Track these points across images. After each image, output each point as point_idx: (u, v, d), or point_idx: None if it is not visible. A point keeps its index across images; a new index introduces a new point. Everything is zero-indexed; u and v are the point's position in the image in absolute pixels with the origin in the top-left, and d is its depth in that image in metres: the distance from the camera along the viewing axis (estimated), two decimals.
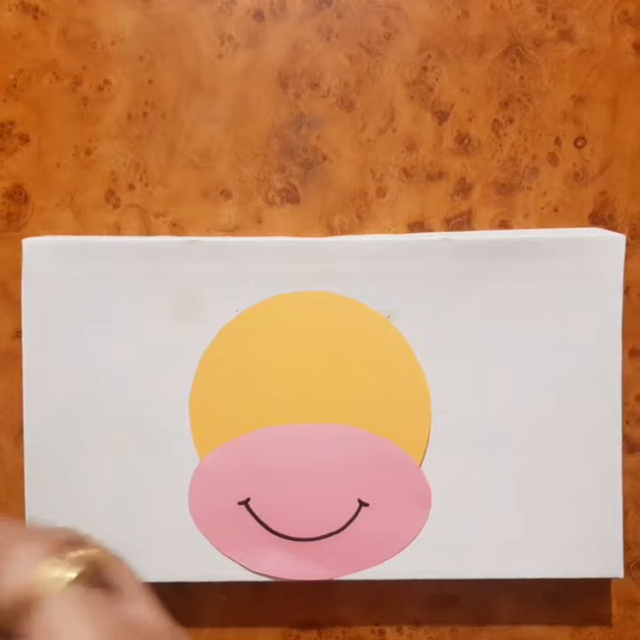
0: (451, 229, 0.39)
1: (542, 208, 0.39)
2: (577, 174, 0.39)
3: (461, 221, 0.39)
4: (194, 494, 0.37)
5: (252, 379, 0.37)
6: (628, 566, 0.40)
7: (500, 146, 0.39)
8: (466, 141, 0.39)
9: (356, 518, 0.37)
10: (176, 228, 0.39)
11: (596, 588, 0.40)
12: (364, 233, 0.39)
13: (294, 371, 0.37)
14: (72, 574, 0.23)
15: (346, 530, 0.37)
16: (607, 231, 0.38)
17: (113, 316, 0.37)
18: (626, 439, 0.39)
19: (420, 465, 0.37)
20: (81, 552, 0.24)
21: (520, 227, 0.39)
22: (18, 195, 0.39)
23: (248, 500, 0.37)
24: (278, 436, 0.37)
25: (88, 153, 0.39)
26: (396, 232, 0.39)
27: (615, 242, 0.37)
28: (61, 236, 0.38)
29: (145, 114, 0.39)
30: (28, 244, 0.37)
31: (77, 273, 0.37)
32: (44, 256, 0.37)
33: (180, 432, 0.37)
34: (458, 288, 0.37)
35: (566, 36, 0.38)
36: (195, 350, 0.37)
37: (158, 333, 0.37)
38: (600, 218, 0.39)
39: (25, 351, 0.37)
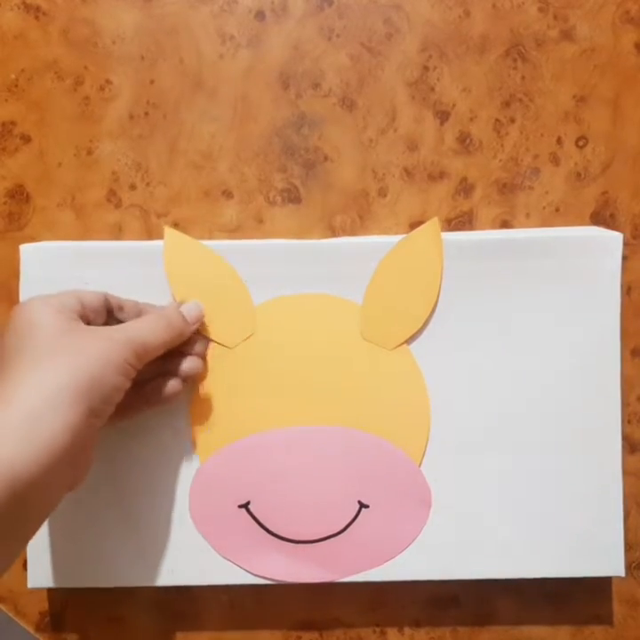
0: (452, 229, 0.39)
1: (544, 208, 0.39)
2: (578, 174, 0.39)
3: (463, 221, 0.39)
4: (194, 497, 0.37)
5: (251, 381, 0.37)
6: (629, 566, 0.40)
7: (502, 146, 0.39)
8: (467, 141, 0.39)
9: (357, 520, 0.37)
10: (178, 228, 0.39)
11: (597, 587, 0.40)
12: (365, 233, 0.39)
13: (294, 373, 0.37)
14: None
15: (346, 532, 0.37)
16: (605, 229, 0.38)
17: None
18: (627, 439, 0.39)
19: (420, 466, 0.37)
20: None
21: (521, 226, 0.39)
22: (19, 194, 0.39)
23: (248, 503, 0.37)
24: (278, 438, 0.37)
25: (89, 153, 0.39)
26: (397, 232, 0.39)
27: (613, 240, 0.37)
28: (59, 242, 0.38)
29: (146, 114, 0.39)
30: (26, 249, 0.37)
31: (75, 278, 0.37)
32: (41, 261, 0.37)
33: (180, 436, 0.37)
34: (458, 288, 0.37)
35: (568, 35, 0.38)
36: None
37: None
38: (602, 217, 0.39)
39: None
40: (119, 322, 0.34)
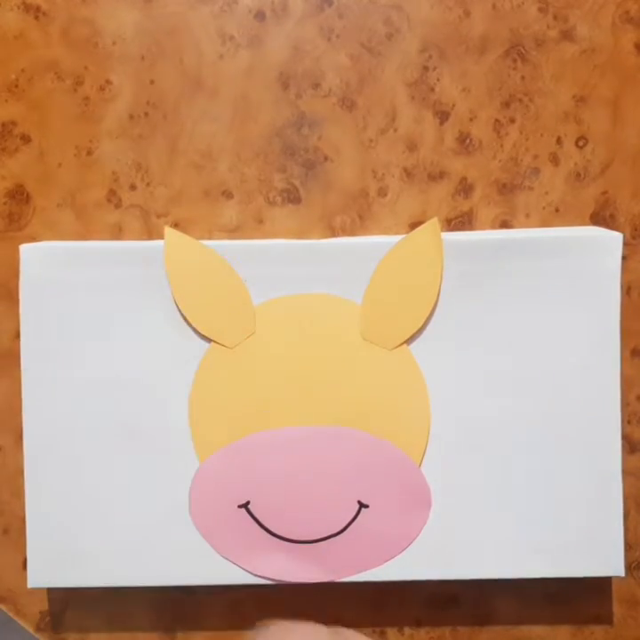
0: (452, 229, 0.39)
1: (544, 208, 0.39)
2: (578, 174, 0.39)
3: (462, 221, 0.39)
4: (194, 497, 0.37)
5: (251, 382, 0.37)
6: (629, 567, 0.40)
7: (502, 146, 0.39)
8: (467, 141, 0.39)
9: (356, 520, 0.37)
10: (178, 229, 0.39)
11: (597, 587, 0.40)
12: (365, 233, 0.39)
13: (294, 373, 0.37)
14: None
15: (346, 531, 0.37)
16: (604, 229, 0.38)
17: (111, 321, 0.37)
18: (627, 439, 0.39)
19: (420, 466, 0.37)
20: None
21: (521, 226, 0.39)
22: (19, 195, 0.39)
23: (248, 503, 0.37)
24: (278, 438, 0.37)
25: (89, 153, 0.39)
26: (397, 232, 0.39)
27: (613, 240, 0.37)
28: (59, 242, 0.38)
29: (146, 114, 0.39)
30: (26, 249, 0.37)
31: (76, 278, 0.37)
32: (41, 261, 0.37)
33: (179, 436, 0.37)
34: (458, 288, 0.37)
35: (568, 36, 0.38)
36: (193, 353, 0.37)
37: (157, 337, 0.37)
38: (601, 218, 0.39)
39: (23, 357, 0.37)
40: None
